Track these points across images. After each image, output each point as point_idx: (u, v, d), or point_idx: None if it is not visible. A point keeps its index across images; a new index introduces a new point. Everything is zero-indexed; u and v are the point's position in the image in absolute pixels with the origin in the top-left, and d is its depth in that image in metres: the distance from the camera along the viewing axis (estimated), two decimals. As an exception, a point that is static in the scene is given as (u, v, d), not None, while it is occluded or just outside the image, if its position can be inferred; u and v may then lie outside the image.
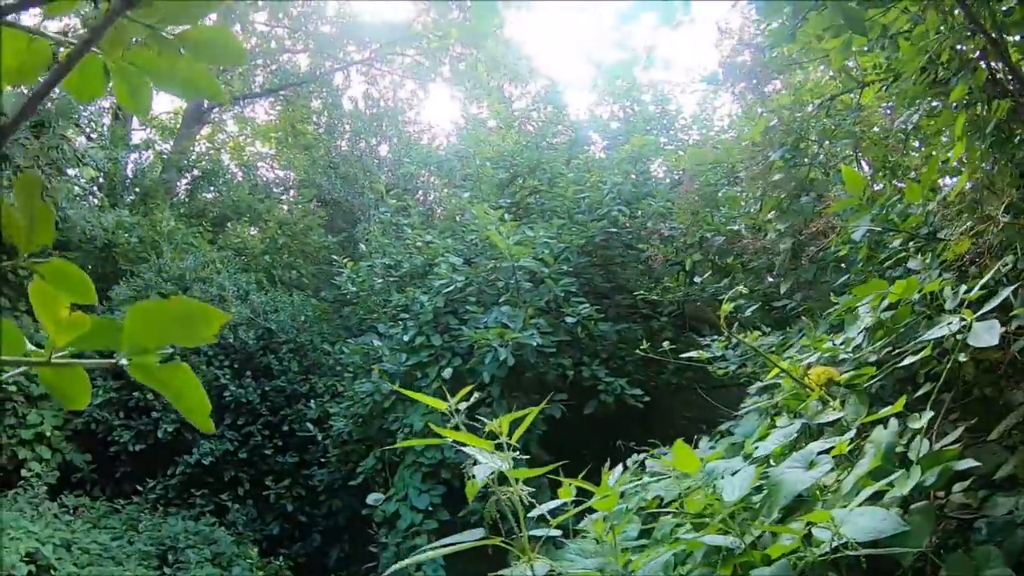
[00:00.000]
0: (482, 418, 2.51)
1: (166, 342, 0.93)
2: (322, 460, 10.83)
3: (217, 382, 11.26)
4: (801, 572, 2.07)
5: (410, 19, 17.52)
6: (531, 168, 10.94)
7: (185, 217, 14.37)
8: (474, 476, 2.18)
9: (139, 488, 11.11)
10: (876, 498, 2.23)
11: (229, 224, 14.70)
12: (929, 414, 2.54)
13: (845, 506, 2.21)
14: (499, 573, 2.29)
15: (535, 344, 7.70)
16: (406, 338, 9.05)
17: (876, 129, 6.63)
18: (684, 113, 11.98)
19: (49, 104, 12.56)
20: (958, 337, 2.72)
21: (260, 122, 18.97)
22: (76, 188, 14.14)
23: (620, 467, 3.48)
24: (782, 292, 6.00)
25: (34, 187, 0.91)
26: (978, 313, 2.72)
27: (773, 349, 5.18)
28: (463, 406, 2.50)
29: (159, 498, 11.08)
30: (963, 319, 2.68)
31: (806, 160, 6.30)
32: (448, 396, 2.44)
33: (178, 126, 18.64)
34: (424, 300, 9.07)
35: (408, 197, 12.43)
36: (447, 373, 8.37)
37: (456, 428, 2.45)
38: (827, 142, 6.56)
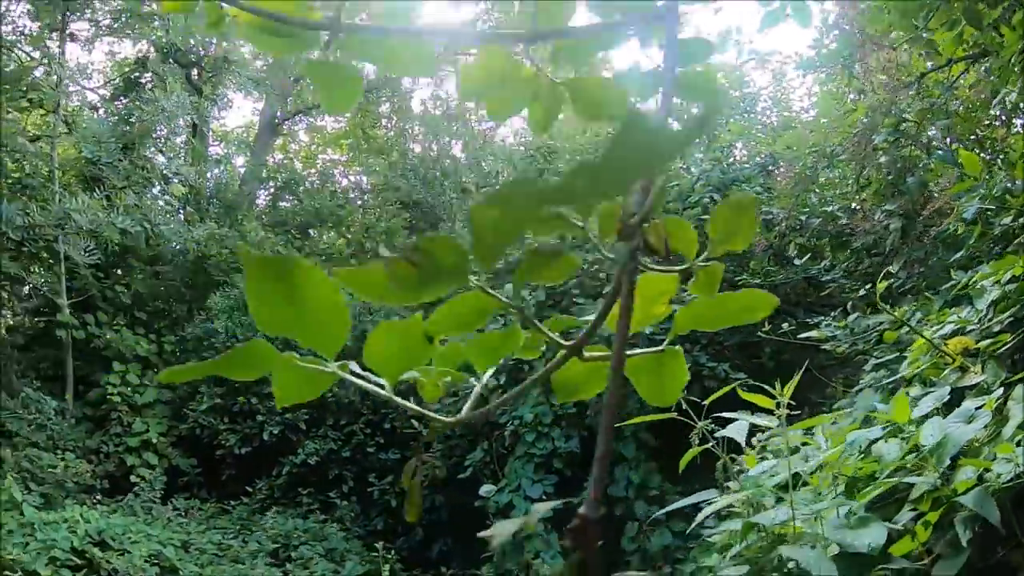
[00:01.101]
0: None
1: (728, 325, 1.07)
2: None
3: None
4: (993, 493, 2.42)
5: (474, 18, 17.98)
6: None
7: (269, 227, 15.04)
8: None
9: (247, 489, 11.76)
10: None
11: (312, 231, 15.33)
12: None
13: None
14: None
15: (646, 331, 8.05)
16: (507, 333, 9.47)
17: (964, 107, 6.84)
18: (764, 95, 12.21)
19: (130, 125, 13.32)
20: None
21: (330, 130, 19.62)
22: (162, 203, 14.87)
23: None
24: (895, 271, 6.26)
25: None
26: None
27: (886, 327, 5.48)
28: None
29: (266, 498, 11.72)
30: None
31: (907, 141, 6.55)
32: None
33: (251, 139, 19.38)
34: (525, 294, 9.50)
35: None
36: (553, 365, 8.76)
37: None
38: (925, 121, 6.79)
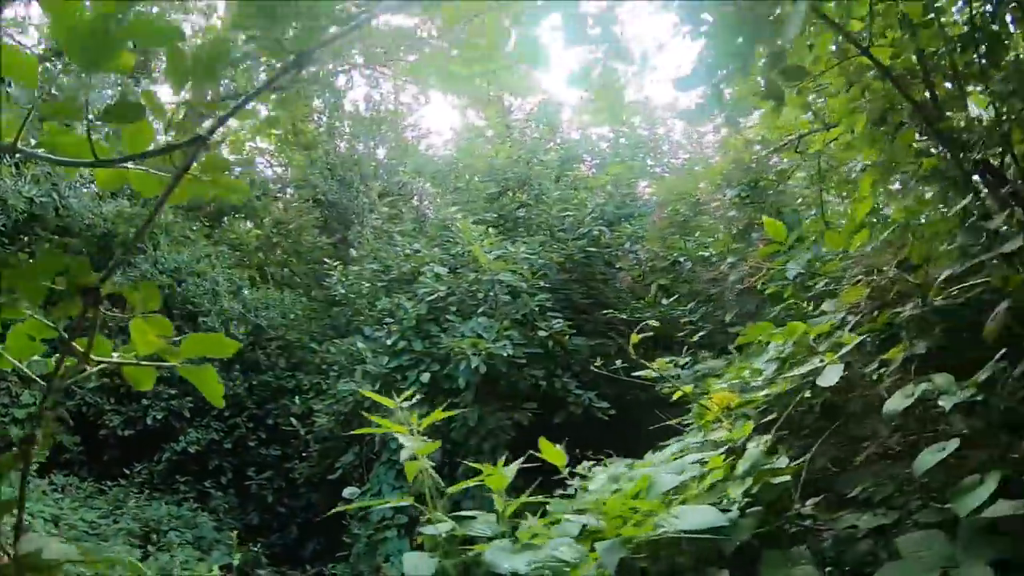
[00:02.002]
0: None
1: (200, 355, 1.79)
2: (303, 455, 11.72)
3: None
4: (636, 547, 2.93)
5: (415, 24, 18.38)
6: (521, 183, 11.84)
7: (183, 210, 15.24)
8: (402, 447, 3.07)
9: (126, 472, 12.00)
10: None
11: (226, 219, 15.58)
12: (766, 438, 3.41)
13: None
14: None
15: (505, 355, 8.60)
16: (389, 342, 9.94)
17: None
18: (672, 137, 12.87)
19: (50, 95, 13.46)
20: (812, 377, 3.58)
21: (261, 118, 19.81)
22: (78, 176, 15.00)
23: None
24: (727, 320, 6.87)
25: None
26: (837, 355, 3.59)
27: (718, 372, 6.04)
28: (407, 404, 3.42)
29: (145, 482, 11.97)
30: (822, 360, 3.54)
31: (755, 199, 7.17)
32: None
33: (179, 119, 19.44)
34: (408, 306, 9.97)
35: (401, 203, 13.35)
36: (425, 377, 9.26)
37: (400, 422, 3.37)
38: (785, 181, 7.43)
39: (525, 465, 3.49)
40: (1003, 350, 2.91)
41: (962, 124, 3.36)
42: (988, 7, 3.58)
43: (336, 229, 15.20)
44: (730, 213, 7.16)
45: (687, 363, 6.57)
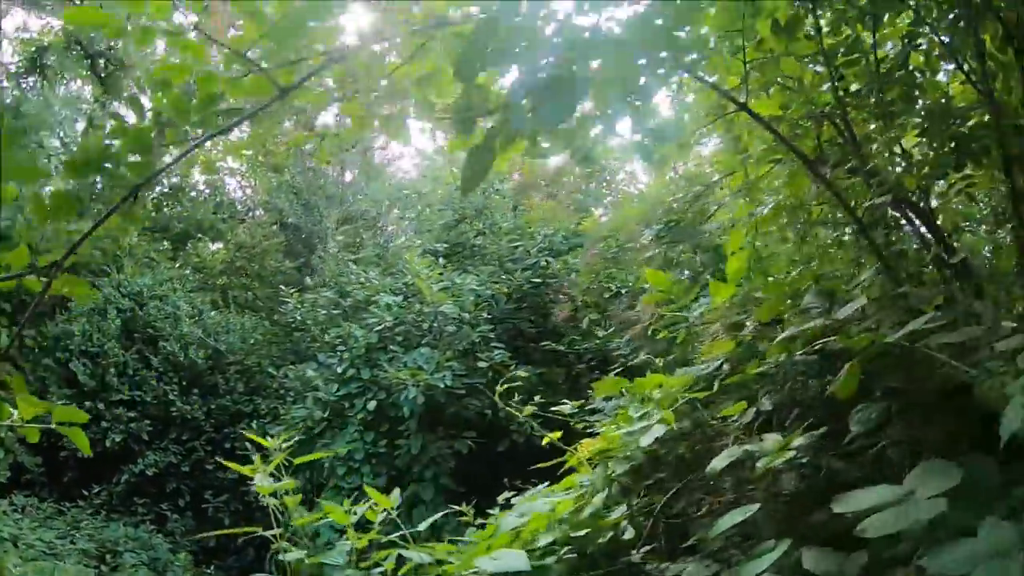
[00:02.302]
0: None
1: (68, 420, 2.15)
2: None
3: (165, 397, 12.45)
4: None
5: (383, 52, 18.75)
6: (477, 211, 12.22)
7: (149, 232, 15.54)
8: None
9: (85, 493, 12.27)
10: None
11: (191, 242, 15.89)
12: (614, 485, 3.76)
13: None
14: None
15: (442, 386, 8.95)
16: (339, 369, 10.28)
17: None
18: (626, 168, 13.28)
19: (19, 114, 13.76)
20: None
21: (233, 138, 20.18)
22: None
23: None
24: (632, 361, 7.22)
25: None
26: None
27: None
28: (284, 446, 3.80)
29: (103, 503, 12.24)
30: (658, 415, 3.90)
31: (672, 238, 7.50)
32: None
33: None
34: (359, 335, 10.31)
35: (363, 229, 13.70)
36: (371, 406, 9.60)
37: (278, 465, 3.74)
38: (706, 221, 7.79)
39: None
40: (858, 405, 3.22)
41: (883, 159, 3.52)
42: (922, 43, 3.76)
43: (300, 253, 15.52)
44: (647, 254, 7.51)
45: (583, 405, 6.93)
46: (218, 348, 12.98)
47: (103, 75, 15.82)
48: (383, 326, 10.02)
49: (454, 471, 9.32)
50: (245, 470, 3.64)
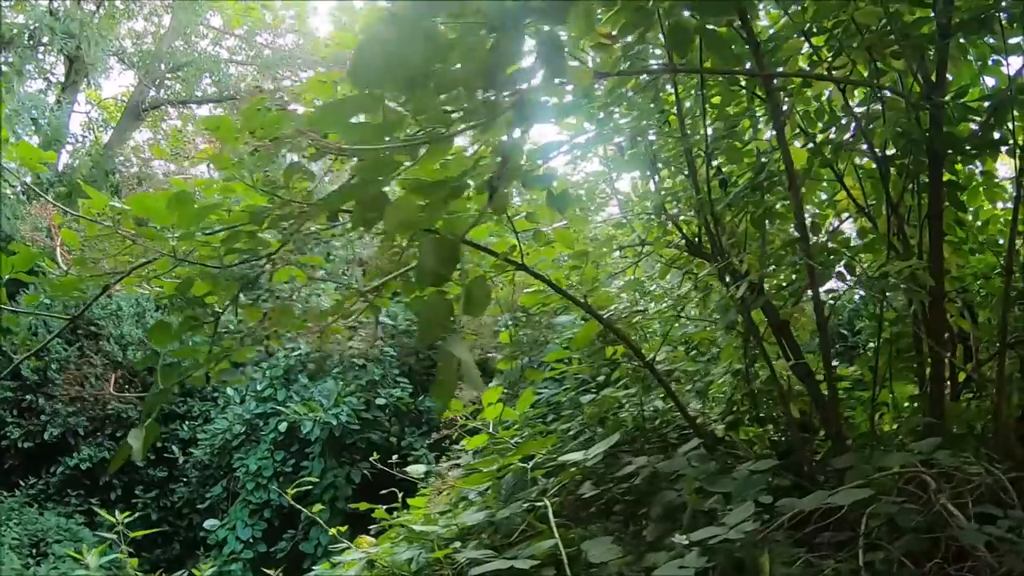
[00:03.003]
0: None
1: None
2: (185, 479, 12.77)
3: (103, 394, 13.16)
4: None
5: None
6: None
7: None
8: None
9: (21, 483, 13.01)
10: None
11: (146, 234, 16.43)
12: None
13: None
14: None
15: (335, 423, 9.67)
16: (259, 387, 11.00)
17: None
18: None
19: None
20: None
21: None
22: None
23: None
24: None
25: None
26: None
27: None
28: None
29: (39, 494, 12.98)
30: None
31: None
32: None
33: (119, 119, 20.37)
34: (280, 356, 11.02)
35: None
36: (283, 427, 10.33)
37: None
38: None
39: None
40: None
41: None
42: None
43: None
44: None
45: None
46: (156, 350, 13.62)
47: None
48: (299, 352, 10.72)
49: (354, 495, 10.06)
50: None
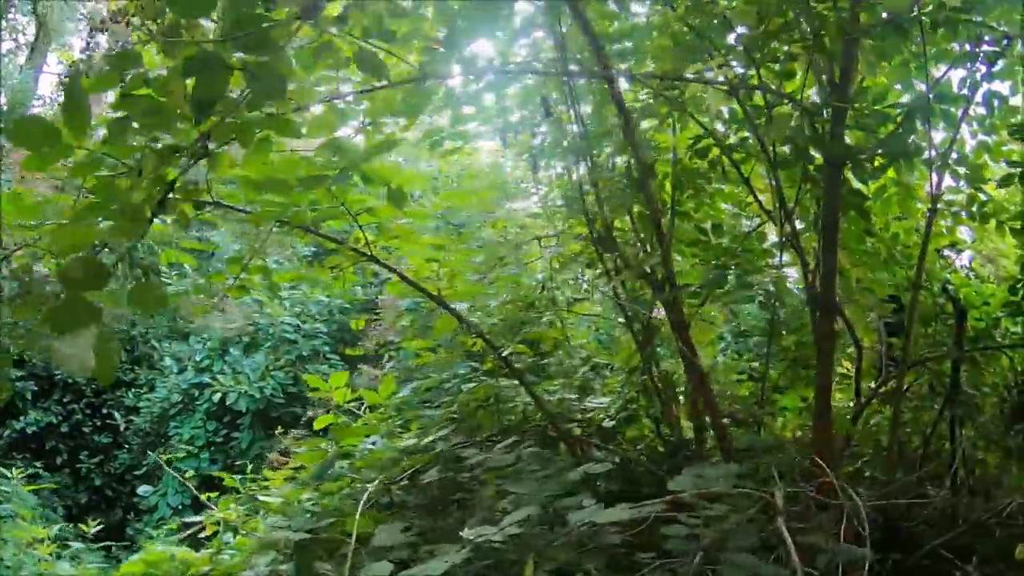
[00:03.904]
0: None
1: None
2: (128, 446, 12.95)
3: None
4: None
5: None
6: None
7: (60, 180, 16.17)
8: None
9: (-34, 445, 13.19)
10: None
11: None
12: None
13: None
14: None
15: (258, 396, 9.84)
16: (198, 358, 11.16)
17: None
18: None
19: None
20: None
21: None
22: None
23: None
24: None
25: None
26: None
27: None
28: None
29: (-14, 454, 13.16)
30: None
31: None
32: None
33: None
34: (217, 327, 11.14)
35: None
36: (216, 397, 10.50)
37: None
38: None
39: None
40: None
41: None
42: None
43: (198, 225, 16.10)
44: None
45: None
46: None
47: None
48: (236, 323, 10.85)
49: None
50: None
